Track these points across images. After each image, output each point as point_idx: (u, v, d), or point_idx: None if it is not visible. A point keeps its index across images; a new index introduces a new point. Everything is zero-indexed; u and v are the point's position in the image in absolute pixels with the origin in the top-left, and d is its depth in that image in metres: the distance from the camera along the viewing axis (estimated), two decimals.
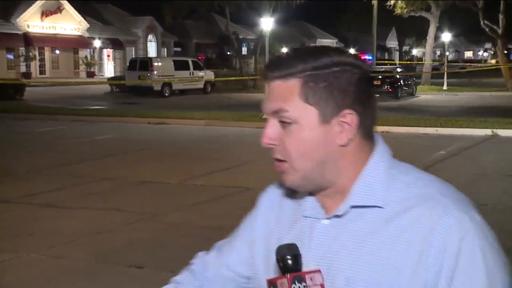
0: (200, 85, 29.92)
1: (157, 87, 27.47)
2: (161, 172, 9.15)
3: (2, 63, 42.00)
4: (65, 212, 6.76)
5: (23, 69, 42.80)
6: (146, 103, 23.91)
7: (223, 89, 31.83)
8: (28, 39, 42.55)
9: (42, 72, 45.46)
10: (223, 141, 13.05)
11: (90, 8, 51.13)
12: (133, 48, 52.90)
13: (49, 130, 14.81)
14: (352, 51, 72.23)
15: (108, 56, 52.03)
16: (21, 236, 5.85)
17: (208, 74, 30.68)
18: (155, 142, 12.74)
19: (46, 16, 44.07)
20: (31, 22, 43.10)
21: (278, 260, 0.94)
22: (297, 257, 0.94)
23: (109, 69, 51.05)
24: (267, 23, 17.88)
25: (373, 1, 31.45)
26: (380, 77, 24.37)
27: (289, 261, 0.93)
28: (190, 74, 29.32)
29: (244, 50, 35.90)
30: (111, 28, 50.75)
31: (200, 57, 50.83)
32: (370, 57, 39.53)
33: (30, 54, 42.97)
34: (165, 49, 57.07)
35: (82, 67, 47.55)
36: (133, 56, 48.88)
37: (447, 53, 38.24)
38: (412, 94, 25.90)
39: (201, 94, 29.37)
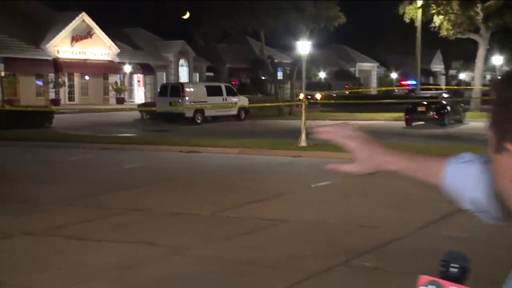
0: (234, 111, 30.12)
1: (189, 113, 27.81)
2: (193, 203, 9.20)
3: (31, 90, 43.18)
4: (93, 245, 6.84)
5: (52, 95, 43.94)
6: (177, 130, 24.23)
7: (258, 116, 31.95)
8: (57, 65, 43.74)
9: (71, 98, 46.58)
10: (258, 170, 13.08)
11: (120, 33, 52.32)
12: (164, 73, 53.87)
13: (78, 159, 15.15)
14: (394, 75, 70.71)
15: (139, 81, 53.09)
16: (48, 271, 5.90)
17: (242, 100, 30.88)
18: (187, 171, 12.88)
19: (76, 41, 45.34)
20: (61, 47, 44.36)
21: (442, 264, 0.94)
22: (464, 269, 0.93)
23: (139, 95, 52.01)
24: (304, 47, 17.93)
25: (416, 23, 31.30)
26: (425, 103, 24.03)
27: (453, 269, 0.92)
28: (223, 100, 29.57)
29: (280, 75, 36.14)
30: (142, 53, 51.83)
31: (233, 82, 51.23)
32: (414, 82, 39.14)
33: (59, 80, 44.14)
34: (197, 74, 57.89)
35: (112, 93, 48.62)
36: (164, 82, 49.72)
37: (498, 77, 37.27)
38: (460, 121, 25.24)
39: (235, 121, 29.56)
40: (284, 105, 33.32)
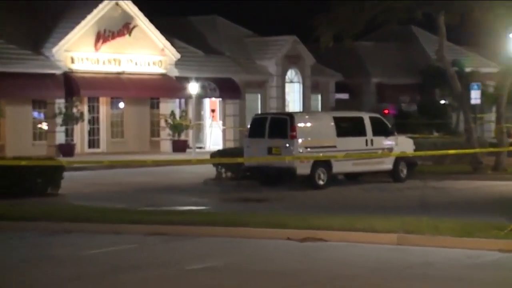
0: (387, 164, 29.91)
1: (304, 168, 27.80)
2: None
3: (24, 129, 44.64)
4: None
5: (60, 138, 45.10)
6: (282, 199, 24.39)
7: (433, 172, 31.59)
8: (71, 83, 44.82)
9: (93, 143, 47.85)
10: (436, 276, 12.91)
11: (182, 25, 53.83)
12: (259, 95, 54.49)
13: (106, 253, 15.52)
14: None
15: (213, 111, 53.89)
16: None
17: (402, 144, 30.69)
18: (302, 277, 12.94)
19: (104, 41, 46.57)
20: (78, 52, 45.62)
21: None
22: None
23: (214, 136, 52.76)
24: None
25: None
26: None
27: None
28: (366, 144, 29.42)
29: (475, 96, 35.34)
30: (220, 60, 52.92)
31: (386, 111, 50.95)
32: None
33: (74, 110, 45.29)
34: (319, 97, 58.24)
35: (166, 133, 49.47)
36: (259, 111, 49.82)
37: None
38: None
39: (389, 182, 29.56)
40: (484, 153, 32.69)
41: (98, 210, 20.80)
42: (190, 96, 48.26)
